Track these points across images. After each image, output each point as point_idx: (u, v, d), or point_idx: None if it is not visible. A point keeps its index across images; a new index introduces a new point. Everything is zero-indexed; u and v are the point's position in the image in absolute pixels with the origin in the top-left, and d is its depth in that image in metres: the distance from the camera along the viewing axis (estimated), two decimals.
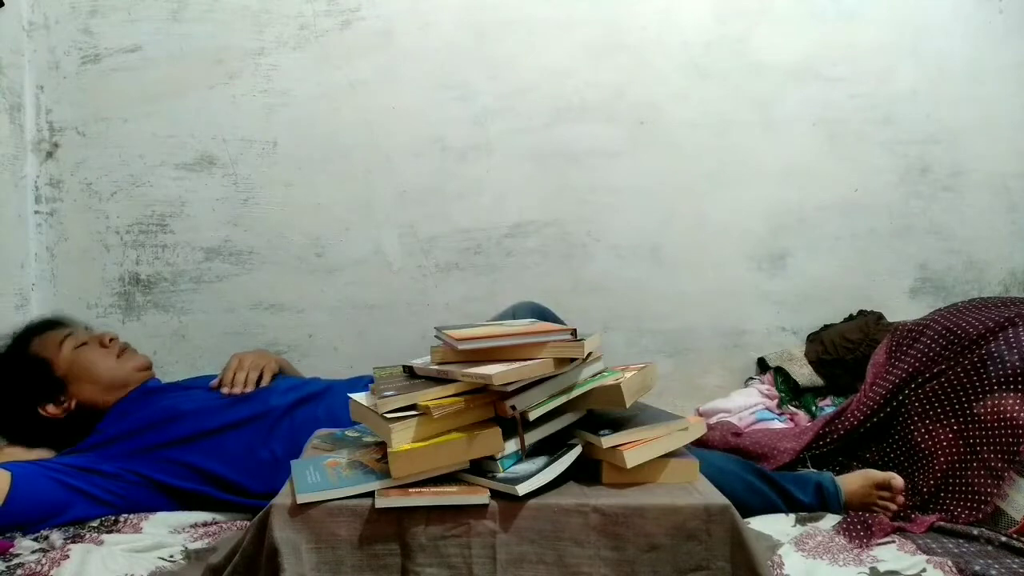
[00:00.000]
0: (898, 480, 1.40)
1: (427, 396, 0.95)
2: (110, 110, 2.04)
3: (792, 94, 2.19)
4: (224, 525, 1.31)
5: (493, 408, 0.98)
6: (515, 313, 1.69)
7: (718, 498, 0.96)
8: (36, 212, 2.04)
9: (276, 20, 2.06)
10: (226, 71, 2.06)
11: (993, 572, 1.12)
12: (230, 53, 2.06)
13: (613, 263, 2.18)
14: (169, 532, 1.25)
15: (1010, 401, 1.39)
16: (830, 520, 1.35)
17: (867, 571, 1.18)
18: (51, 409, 1.45)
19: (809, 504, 1.38)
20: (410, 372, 1.07)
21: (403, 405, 0.95)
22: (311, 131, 2.07)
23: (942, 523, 1.33)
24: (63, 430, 1.44)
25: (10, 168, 1.96)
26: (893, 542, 1.26)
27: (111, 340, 1.56)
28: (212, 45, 2.05)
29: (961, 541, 1.26)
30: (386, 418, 0.93)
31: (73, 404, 1.46)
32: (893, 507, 1.39)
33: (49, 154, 2.05)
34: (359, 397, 1.07)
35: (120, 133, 2.04)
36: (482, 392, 0.96)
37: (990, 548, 1.23)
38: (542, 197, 2.16)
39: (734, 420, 1.93)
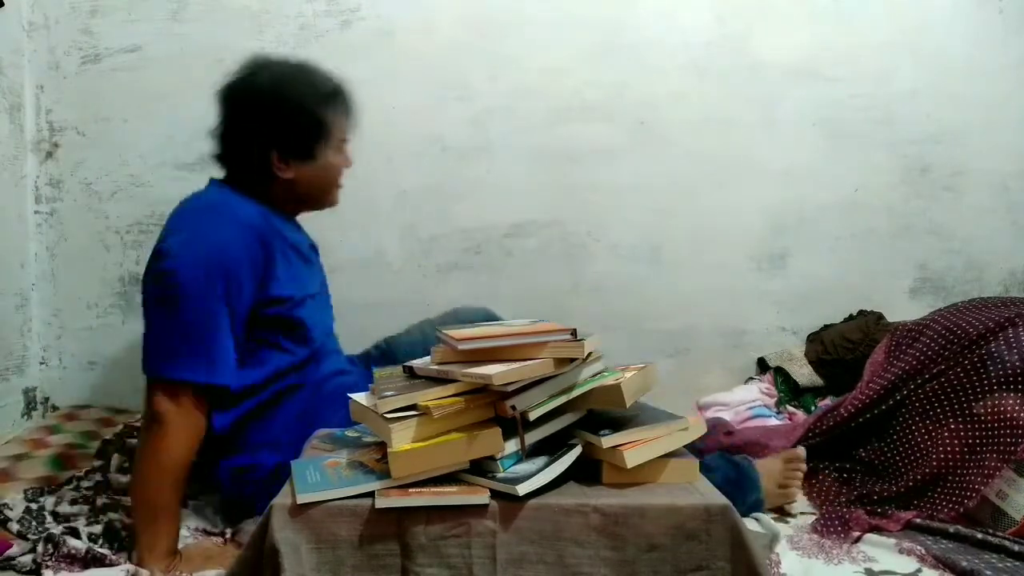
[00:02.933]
0: (800, 450, 1.49)
1: (427, 396, 0.95)
2: (110, 110, 2.04)
3: (792, 94, 2.19)
4: None
5: (493, 408, 0.98)
6: (458, 316, 1.69)
7: (718, 498, 0.96)
8: (36, 212, 2.04)
9: (276, 20, 2.06)
10: (226, 71, 2.05)
11: (985, 569, 1.12)
12: (230, 53, 2.04)
13: (613, 263, 2.18)
14: None
15: (1010, 401, 1.39)
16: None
17: (862, 571, 1.18)
18: (282, 167, 1.33)
19: (731, 477, 1.38)
20: (410, 372, 1.07)
21: (403, 405, 0.95)
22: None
23: (918, 520, 1.34)
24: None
25: (10, 168, 1.96)
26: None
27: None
28: (212, 45, 2.04)
29: (938, 538, 1.28)
30: (386, 418, 0.93)
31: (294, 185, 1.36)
32: (799, 475, 1.46)
33: (49, 154, 2.05)
34: (359, 397, 1.07)
35: (120, 133, 2.04)
36: (482, 392, 0.96)
37: (968, 545, 1.24)
38: (542, 197, 2.16)
39: (730, 414, 1.93)
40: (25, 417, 1.98)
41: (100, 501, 1.33)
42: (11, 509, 1.30)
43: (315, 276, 1.48)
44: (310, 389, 1.34)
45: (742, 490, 1.37)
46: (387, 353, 1.64)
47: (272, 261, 1.26)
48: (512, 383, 0.94)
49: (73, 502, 1.35)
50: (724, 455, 1.46)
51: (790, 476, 1.45)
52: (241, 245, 1.22)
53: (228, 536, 1.27)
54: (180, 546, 1.19)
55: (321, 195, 1.44)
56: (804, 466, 1.47)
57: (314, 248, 1.53)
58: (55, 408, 2.05)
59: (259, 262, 1.24)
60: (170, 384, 1.16)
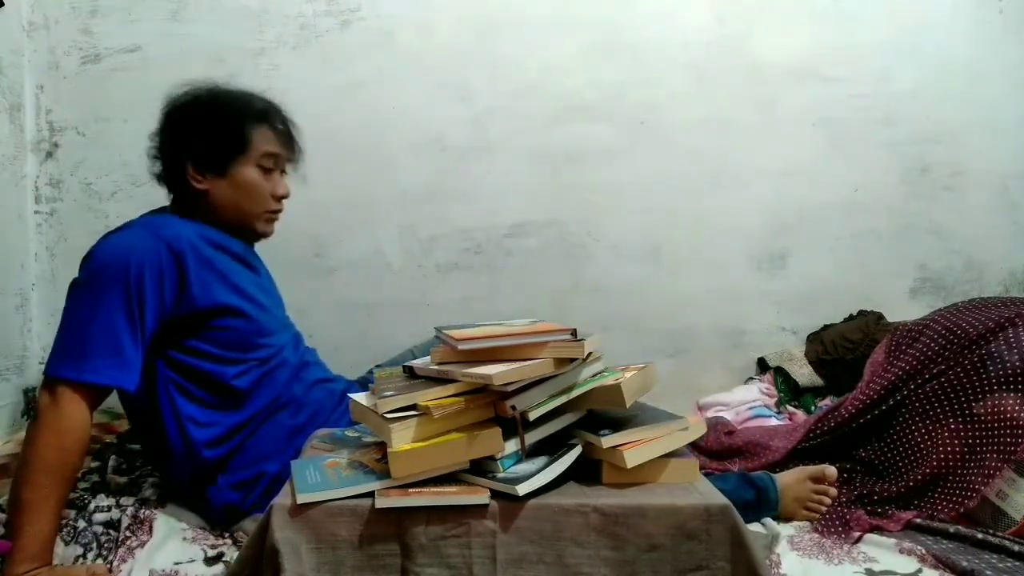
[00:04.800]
0: (831, 470, 1.42)
1: (427, 396, 0.95)
2: (110, 110, 2.04)
3: (792, 94, 2.19)
4: None
5: (493, 408, 0.97)
6: (414, 353, 1.68)
7: (718, 498, 0.96)
8: (36, 212, 2.04)
9: (276, 20, 2.07)
10: (226, 71, 2.05)
11: (985, 569, 1.12)
12: (230, 53, 2.06)
13: (613, 263, 2.18)
14: None
15: (1010, 401, 1.39)
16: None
17: (863, 571, 1.18)
18: (197, 179, 1.31)
19: (749, 500, 1.37)
20: (410, 372, 1.07)
21: (403, 405, 0.95)
22: (311, 131, 2.04)
23: (918, 520, 1.34)
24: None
25: (10, 168, 1.96)
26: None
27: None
28: (212, 45, 2.05)
29: (938, 538, 1.28)
30: (386, 418, 0.93)
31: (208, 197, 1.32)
32: (827, 500, 1.40)
33: (49, 154, 2.05)
34: (359, 397, 1.07)
35: (120, 133, 2.04)
36: (482, 392, 0.96)
37: (968, 545, 1.24)
38: (542, 197, 2.16)
39: (731, 414, 1.93)
40: (25, 417, 1.98)
41: (93, 505, 1.33)
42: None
43: (264, 286, 1.44)
44: (295, 403, 1.34)
45: (759, 513, 1.37)
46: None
47: (188, 270, 1.22)
48: (512, 383, 0.94)
49: (71, 505, 1.35)
50: (743, 475, 1.43)
51: (817, 499, 1.39)
52: (147, 255, 1.21)
53: (226, 536, 1.27)
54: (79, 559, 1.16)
55: (241, 216, 1.35)
56: (834, 490, 1.40)
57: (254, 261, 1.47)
58: None
59: (170, 271, 1.21)
60: (49, 380, 1.15)
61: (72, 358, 1.15)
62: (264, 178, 1.36)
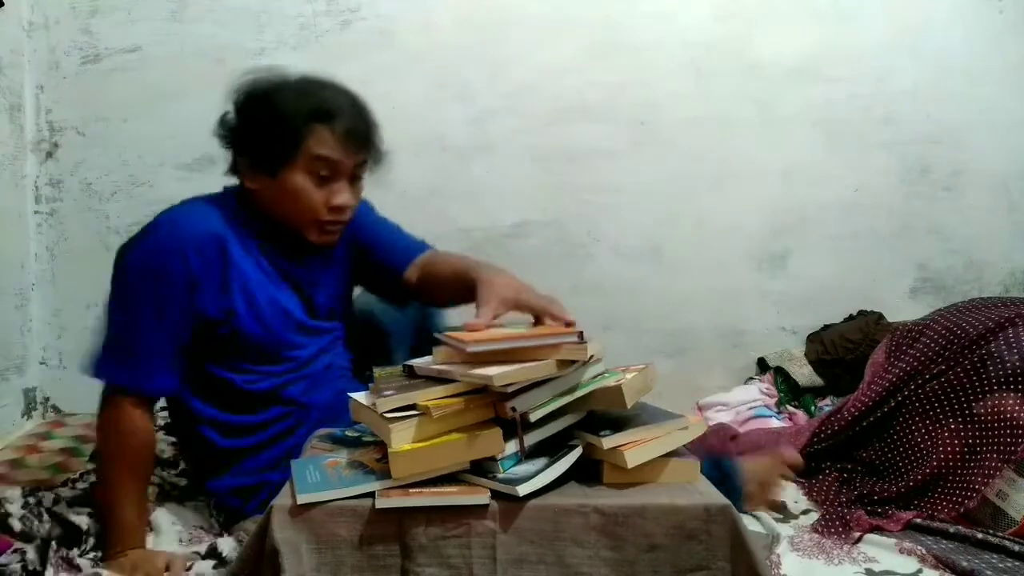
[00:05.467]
0: (797, 458, 1.47)
1: (427, 396, 0.94)
2: (110, 110, 2.04)
3: (792, 94, 2.19)
4: None
5: (493, 408, 0.97)
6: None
7: (718, 498, 0.96)
8: (36, 212, 2.05)
9: (276, 20, 2.07)
10: (226, 71, 2.04)
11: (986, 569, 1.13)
12: (230, 53, 2.06)
13: (613, 263, 2.18)
14: None
15: (1010, 401, 1.39)
16: None
17: (863, 571, 1.18)
18: (249, 177, 1.24)
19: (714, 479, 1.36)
20: (410, 372, 1.07)
21: (402, 405, 0.95)
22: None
23: (918, 520, 1.34)
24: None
25: (10, 168, 1.96)
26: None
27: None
28: (212, 45, 2.05)
29: (938, 538, 1.28)
30: (385, 418, 0.93)
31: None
32: (786, 486, 1.45)
33: (49, 154, 2.05)
34: (359, 396, 1.07)
35: (120, 133, 2.04)
36: (482, 392, 0.96)
37: (968, 545, 1.25)
38: (542, 197, 2.16)
39: (730, 415, 1.93)
40: (25, 417, 1.98)
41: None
42: (11, 503, 1.30)
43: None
44: (314, 411, 1.30)
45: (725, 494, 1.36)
46: None
47: (214, 273, 1.20)
48: (512, 384, 0.94)
49: (71, 503, 1.35)
50: (712, 458, 1.40)
51: (775, 479, 1.41)
52: (176, 255, 1.19)
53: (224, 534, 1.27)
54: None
55: (288, 222, 1.26)
56: (794, 477, 1.44)
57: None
58: (56, 408, 2.05)
59: (195, 273, 1.19)
60: (106, 386, 1.21)
61: (125, 365, 1.20)
62: (317, 185, 1.22)
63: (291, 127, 1.19)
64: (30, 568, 1.12)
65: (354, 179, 1.28)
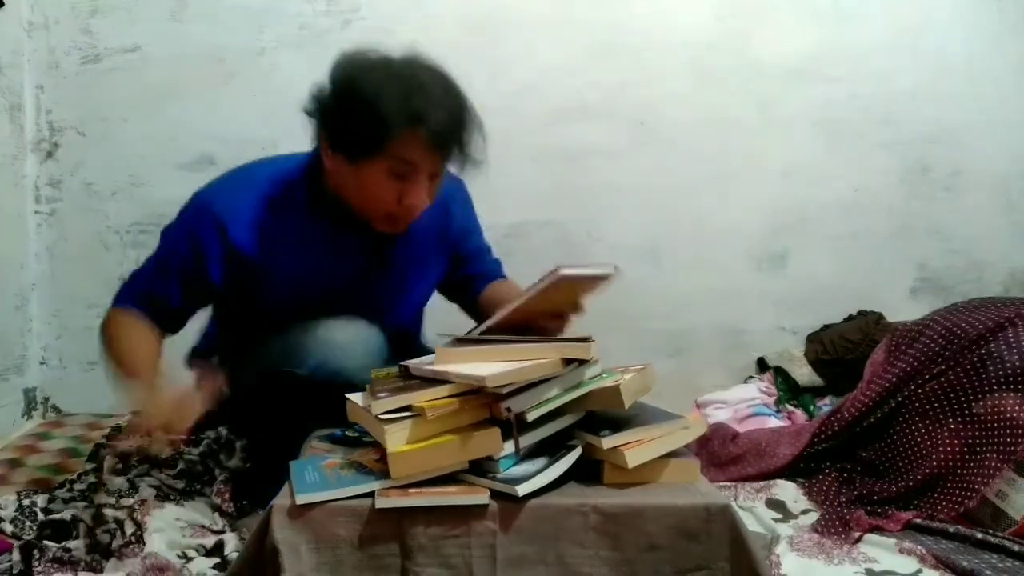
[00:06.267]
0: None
1: (421, 398, 0.94)
2: (110, 110, 2.04)
3: (792, 94, 2.19)
4: None
5: (488, 409, 0.97)
6: None
7: (718, 498, 0.96)
8: (36, 212, 2.05)
9: (276, 20, 2.06)
10: (226, 71, 2.06)
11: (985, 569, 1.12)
12: (230, 53, 2.06)
13: (613, 263, 2.18)
14: None
15: (1010, 401, 1.38)
16: None
17: (863, 571, 1.18)
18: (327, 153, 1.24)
19: None
20: (406, 373, 1.07)
21: (397, 407, 0.95)
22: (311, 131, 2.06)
23: (918, 520, 1.34)
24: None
25: (10, 168, 1.96)
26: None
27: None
28: (212, 45, 2.05)
29: (938, 538, 1.28)
30: (380, 419, 0.93)
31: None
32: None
33: (49, 154, 2.05)
34: (355, 397, 1.07)
35: (120, 133, 2.04)
36: (478, 393, 0.96)
37: (968, 545, 1.25)
38: (542, 197, 2.16)
39: (729, 412, 1.93)
40: (25, 417, 1.98)
41: (97, 500, 1.33)
42: (3, 509, 1.30)
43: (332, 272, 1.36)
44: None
45: None
46: None
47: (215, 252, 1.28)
48: (507, 385, 0.94)
49: (66, 503, 1.35)
50: None
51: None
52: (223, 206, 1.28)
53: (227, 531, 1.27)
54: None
55: (358, 204, 1.26)
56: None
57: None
58: (56, 408, 2.05)
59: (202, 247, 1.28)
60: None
61: (135, 284, 1.35)
62: (393, 181, 1.21)
63: (380, 126, 1.16)
64: (15, 571, 1.10)
65: (433, 176, 1.27)
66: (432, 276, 1.52)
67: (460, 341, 1.09)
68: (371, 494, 0.92)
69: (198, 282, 1.30)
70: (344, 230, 1.31)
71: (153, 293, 1.31)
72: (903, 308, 2.17)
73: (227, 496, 1.36)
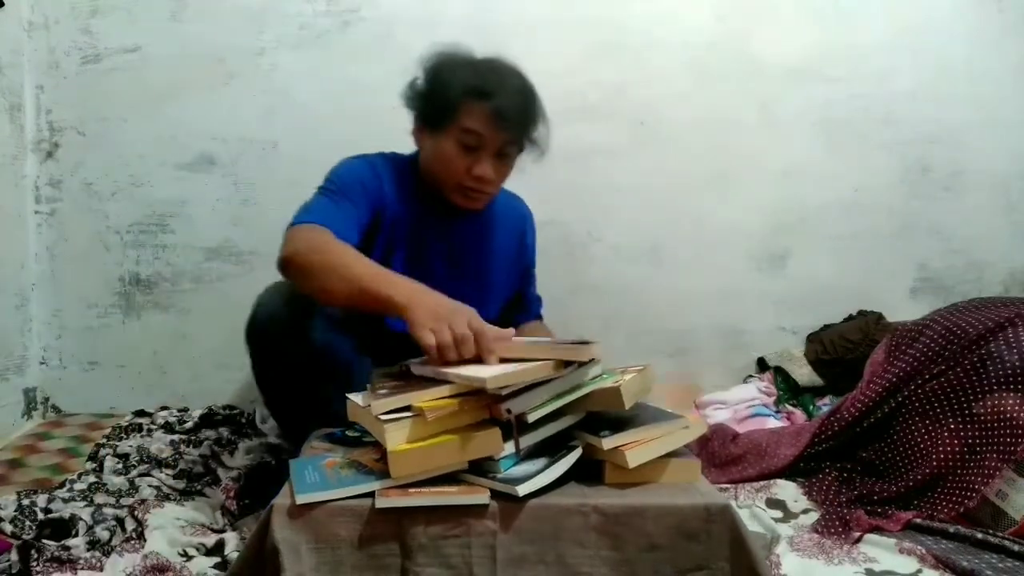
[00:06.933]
0: None
1: (421, 398, 0.94)
2: (110, 110, 2.04)
3: (792, 94, 2.19)
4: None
5: (488, 410, 0.97)
6: None
7: (718, 498, 0.96)
8: (36, 212, 2.04)
9: (276, 20, 2.06)
10: (226, 71, 2.06)
11: (985, 569, 1.12)
12: (230, 53, 2.06)
13: (613, 263, 2.18)
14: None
15: (1010, 401, 1.38)
16: None
17: (863, 571, 1.18)
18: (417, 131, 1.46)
19: None
20: (407, 373, 1.07)
21: (397, 407, 0.95)
22: (311, 131, 2.06)
23: (918, 520, 1.34)
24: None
25: (10, 168, 1.96)
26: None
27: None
28: (212, 45, 2.05)
29: (938, 538, 1.28)
30: (380, 419, 0.93)
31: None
32: None
33: (49, 154, 2.04)
34: (355, 397, 1.07)
35: (120, 133, 2.04)
36: (478, 394, 0.96)
37: (968, 545, 1.25)
38: (542, 197, 2.15)
39: (728, 412, 1.93)
40: (25, 417, 1.98)
41: (98, 500, 1.33)
42: (3, 509, 1.30)
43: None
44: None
45: None
46: None
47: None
48: (507, 387, 0.94)
49: (66, 503, 1.35)
50: None
51: None
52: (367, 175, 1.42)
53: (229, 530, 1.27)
54: None
55: (434, 179, 1.43)
56: None
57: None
58: (56, 409, 2.05)
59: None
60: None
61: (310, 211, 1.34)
62: (463, 153, 1.37)
63: (449, 98, 1.35)
64: (13, 572, 1.10)
65: (501, 155, 1.41)
66: (512, 276, 1.68)
67: None
68: (371, 494, 0.92)
69: (376, 203, 1.39)
70: (433, 216, 1.47)
71: (339, 211, 1.32)
72: (903, 308, 2.17)
73: (232, 494, 1.37)
